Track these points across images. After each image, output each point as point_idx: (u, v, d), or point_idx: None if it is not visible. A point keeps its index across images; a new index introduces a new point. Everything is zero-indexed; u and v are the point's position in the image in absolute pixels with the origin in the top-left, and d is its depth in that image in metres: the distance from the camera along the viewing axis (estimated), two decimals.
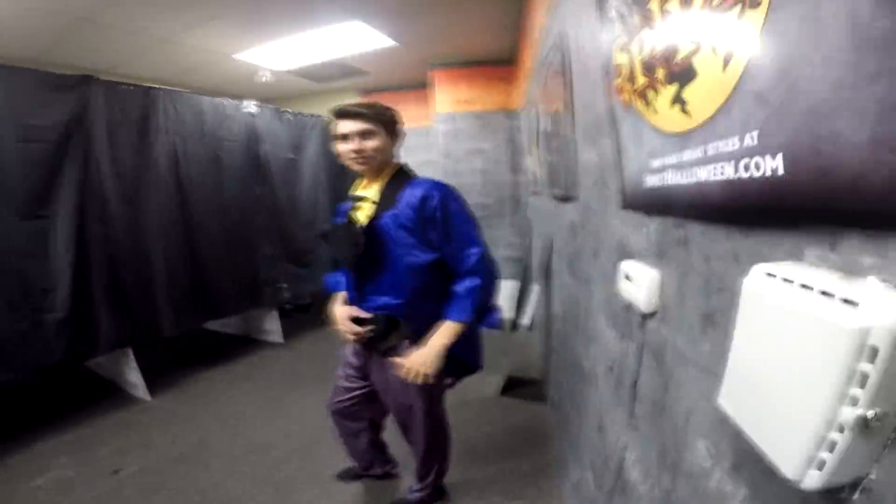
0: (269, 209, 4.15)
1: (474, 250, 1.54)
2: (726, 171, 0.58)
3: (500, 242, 4.50)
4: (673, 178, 0.74)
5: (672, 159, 0.74)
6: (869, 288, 0.37)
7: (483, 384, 3.07)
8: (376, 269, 1.58)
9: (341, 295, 1.78)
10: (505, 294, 4.16)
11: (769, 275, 0.47)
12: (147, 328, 3.23)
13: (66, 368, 2.90)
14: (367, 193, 1.61)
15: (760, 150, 0.51)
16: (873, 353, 0.34)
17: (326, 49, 4.06)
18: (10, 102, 2.49)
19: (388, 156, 1.62)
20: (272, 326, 4.34)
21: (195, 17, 3.29)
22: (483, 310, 1.60)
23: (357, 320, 1.65)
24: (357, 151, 1.52)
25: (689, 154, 0.68)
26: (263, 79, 4.55)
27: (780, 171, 0.47)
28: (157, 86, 3.29)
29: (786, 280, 0.44)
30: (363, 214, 1.59)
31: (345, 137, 1.53)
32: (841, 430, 0.38)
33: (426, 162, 4.45)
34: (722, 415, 0.68)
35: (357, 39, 3.83)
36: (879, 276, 0.38)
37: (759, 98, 0.51)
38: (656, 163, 0.81)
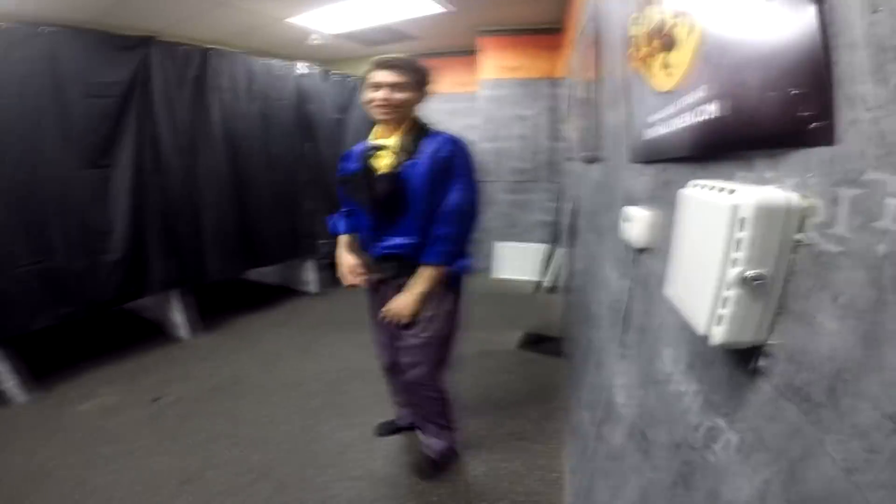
0: (313, 167, 4.37)
1: (457, 198, 1.68)
2: (688, 119, 0.73)
3: (534, 206, 4.63)
4: (661, 130, 0.89)
5: (661, 114, 0.89)
6: (745, 185, 0.53)
7: (505, 338, 3.27)
8: (393, 213, 1.73)
9: (344, 239, 1.99)
10: (534, 257, 4.31)
11: (695, 185, 0.63)
12: (194, 272, 3.51)
13: (117, 306, 3.17)
14: (387, 142, 1.72)
15: (706, 99, 0.66)
16: (743, 223, 0.50)
17: (377, 13, 4.17)
18: (77, 61, 2.72)
19: (412, 110, 1.74)
20: (309, 277, 4.61)
21: None
22: (455, 255, 1.74)
23: (372, 261, 1.88)
24: (385, 100, 1.63)
25: (671, 108, 0.83)
26: (315, 42, 4.73)
27: (716, 113, 0.63)
28: (212, 46, 3.50)
29: (703, 187, 0.60)
30: (382, 162, 1.73)
31: (376, 87, 1.64)
32: (729, 288, 0.53)
33: (468, 126, 4.60)
34: (682, 323, 0.85)
35: (408, 4, 3.93)
36: (776, 185, 0.54)
37: (707, 59, 0.66)
38: (651, 118, 0.96)
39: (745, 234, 0.49)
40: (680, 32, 0.77)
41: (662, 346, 0.93)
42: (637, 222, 1.04)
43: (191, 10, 3.92)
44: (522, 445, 2.25)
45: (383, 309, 1.83)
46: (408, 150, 1.69)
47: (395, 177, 1.69)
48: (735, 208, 0.50)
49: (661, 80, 0.89)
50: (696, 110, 0.70)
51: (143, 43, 3.04)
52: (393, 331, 1.91)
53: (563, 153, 4.20)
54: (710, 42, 0.65)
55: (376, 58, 1.66)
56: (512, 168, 4.78)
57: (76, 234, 2.83)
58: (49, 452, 2.21)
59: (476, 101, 4.96)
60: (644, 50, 1.00)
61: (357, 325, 2.61)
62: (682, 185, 0.83)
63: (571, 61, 3.22)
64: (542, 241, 4.46)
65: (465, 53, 5.12)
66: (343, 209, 2.03)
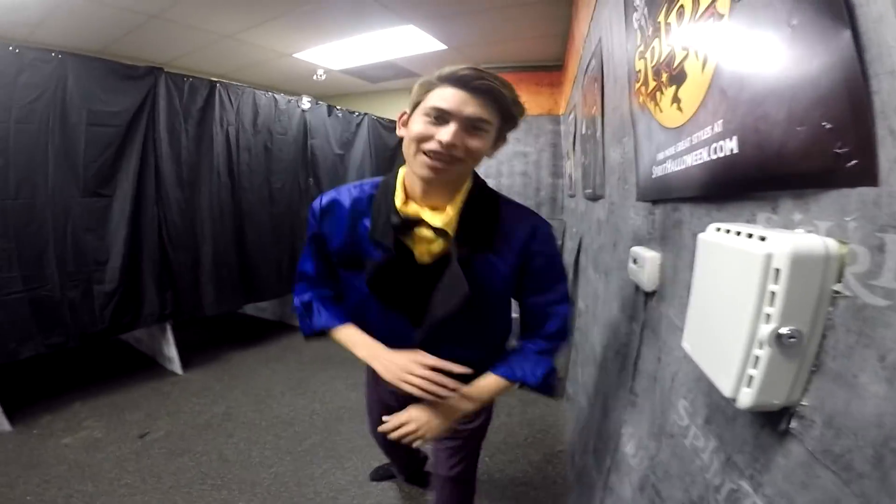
0: (314, 201, 4.32)
1: (563, 309, 1.18)
2: (702, 156, 0.69)
3: None
4: (671, 167, 0.85)
5: (671, 151, 0.85)
6: (775, 230, 0.48)
7: None
8: (451, 324, 1.09)
9: (351, 331, 1.23)
10: None
11: (717, 229, 0.58)
12: (189, 306, 3.42)
13: (109, 338, 3.08)
14: (434, 219, 1.04)
15: (723, 134, 0.62)
16: (777, 275, 0.44)
17: (379, 51, 4.24)
18: (83, 89, 2.70)
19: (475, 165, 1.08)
20: None
21: (257, 17, 3.51)
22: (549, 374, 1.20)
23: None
24: (451, 145, 0.94)
25: (682, 144, 0.79)
26: (319, 77, 4.78)
27: (735, 150, 0.58)
28: (217, 79, 3.51)
29: (726, 231, 0.55)
30: (426, 248, 1.08)
31: (441, 118, 0.95)
32: (761, 346, 0.47)
33: None
34: (699, 374, 0.79)
35: (408, 42, 3.99)
36: (805, 228, 0.48)
37: (723, 92, 0.62)
38: (661, 155, 0.92)
39: (779, 287, 0.44)
40: (691, 65, 0.73)
41: (677, 398, 0.86)
42: (646, 264, 0.99)
43: (199, 43, 3.99)
44: (523, 492, 2.13)
45: (395, 420, 1.15)
46: (471, 234, 1.06)
47: (468, 281, 1.03)
48: (768, 258, 0.45)
49: (671, 115, 0.85)
50: (711, 147, 0.65)
51: (151, 73, 3.04)
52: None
53: (564, 190, 4.18)
54: (727, 74, 0.61)
55: (451, 69, 0.96)
56: None
57: (71, 262, 2.77)
58: (29, 486, 2.10)
59: None
60: (652, 84, 0.97)
61: (352, 363, 2.50)
62: (696, 227, 0.79)
63: (572, 98, 3.23)
64: None
65: None
66: (320, 290, 1.32)
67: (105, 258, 2.93)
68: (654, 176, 0.98)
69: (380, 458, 2.27)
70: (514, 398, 2.95)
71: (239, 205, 3.71)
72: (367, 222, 1.11)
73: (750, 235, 0.50)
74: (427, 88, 0.98)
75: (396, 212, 1.04)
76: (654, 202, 1.02)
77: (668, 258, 0.93)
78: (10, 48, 2.41)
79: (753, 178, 0.56)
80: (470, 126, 0.95)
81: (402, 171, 1.09)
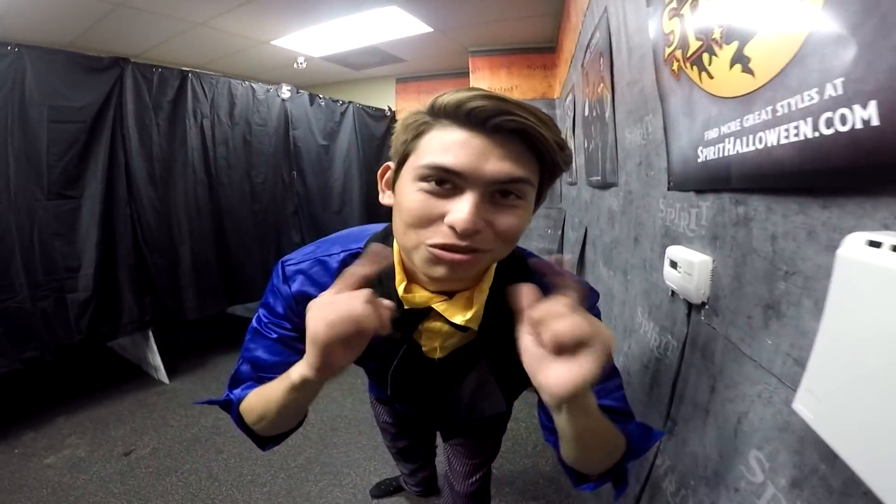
0: (300, 196, 4.14)
1: (620, 386, 0.80)
2: (802, 131, 0.49)
3: (533, 234, 4.41)
4: (733, 147, 0.65)
5: (732, 126, 0.65)
6: None
7: None
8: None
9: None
10: None
11: (871, 243, 0.38)
12: (170, 311, 3.24)
13: (89, 348, 2.92)
14: (453, 314, 0.70)
15: (847, 99, 0.42)
16: None
17: (362, 35, 4.00)
18: (42, 83, 2.50)
19: None
20: None
21: (230, 1, 3.27)
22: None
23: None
24: (469, 235, 0.57)
25: (754, 117, 0.59)
26: (299, 66, 4.55)
27: (875, 122, 0.39)
28: (189, 69, 3.29)
29: (893, 248, 0.35)
30: (438, 343, 0.77)
31: (450, 183, 0.57)
32: None
33: None
34: (782, 422, 0.60)
35: (393, 25, 3.76)
36: None
37: (842, 39, 0.42)
38: (712, 133, 0.73)
39: None
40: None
41: (746, 446, 0.67)
42: (692, 271, 0.80)
43: (170, 32, 3.72)
44: None
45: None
46: (496, 329, 0.73)
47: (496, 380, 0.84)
48: None
49: (731, 81, 0.65)
50: (819, 118, 0.46)
51: (116, 64, 2.82)
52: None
53: (563, 177, 3.99)
54: (850, 13, 0.41)
55: (455, 96, 0.57)
56: None
57: (40, 270, 2.58)
58: None
59: None
60: (694, 46, 0.77)
61: (349, 369, 2.35)
62: (777, 228, 0.59)
63: (569, 79, 3.03)
64: None
65: (457, 75, 4.95)
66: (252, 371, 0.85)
67: (77, 264, 2.73)
68: (699, 160, 0.78)
69: (380, 474, 2.15)
70: (519, 400, 2.78)
71: (218, 202, 3.49)
72: None
73: None
74: (418, 129, 0.59)
75: (399, 302, 0.69)
76: (700, 192, 0.83)
77: (724, 264, 0.74)
78: None
79: None
80: (497, 193, 0.58)
81: (397, 245, 0.71)
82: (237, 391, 0.82)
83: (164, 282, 3.18)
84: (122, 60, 2.85)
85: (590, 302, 0.76)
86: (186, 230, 3.29)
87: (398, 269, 0.71)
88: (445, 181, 0.56)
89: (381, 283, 0.71)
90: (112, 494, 2.10)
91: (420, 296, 0.70)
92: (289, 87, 3.93)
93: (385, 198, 0.67)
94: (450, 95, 0.56)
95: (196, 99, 3.28)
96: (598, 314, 0.79)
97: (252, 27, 3.76)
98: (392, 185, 0.65)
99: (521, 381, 0.72)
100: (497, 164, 0.56)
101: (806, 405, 0.46)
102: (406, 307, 0.70)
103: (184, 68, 3.24)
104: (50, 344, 2.62)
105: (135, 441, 2.53)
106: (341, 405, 2.86)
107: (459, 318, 0.70)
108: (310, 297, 0.61)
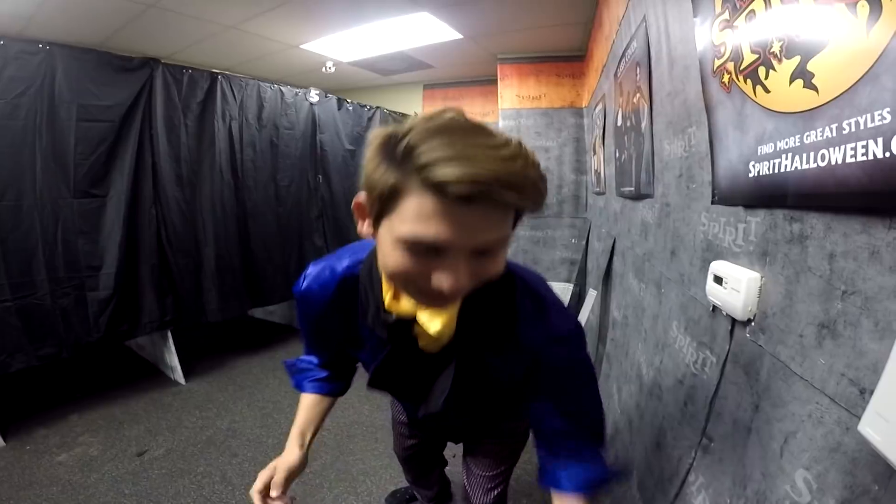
0: (324, 200, 4.15)
1: (601, 415, 0.93)
2: (871, 150, 0.48)
3: (557, 243, 4.37)
4: (791, 164, 0.64)
5: (790, 142, 0.64)
6: None
7: None
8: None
9: (301, 413, 1.24)
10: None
11: None
12: (192, 312, 3.24)
13: (108, 346, 2.91)
14: (431, 324, 0.75)
15: None
16: None
17: (391, 41, 4.02)
18: (72, 82, 2.52)
19: None
20: None
21: (261, 5, 3.30)
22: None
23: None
24: (457, 293, 0.61)
25: (816, 134, 0.58)
26: (328, 70, 4.59)
27: None
28: (219, 71, 3.32)
29: None
30: (432, 340, 0.79)
31: (430, 248, 0.56)
32: None
33: None
34: (834, 443, 0.58)
35: (423, 31, 3.77)
36: None
37: None
38: (766, 148, 0.72)
39: None
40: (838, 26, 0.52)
41: (793, 466, 0.66)
42: (740, 287, 0.78)
43: (200, 35, 3.79)
44: None
45: None
46: (472, 333, 0.78)
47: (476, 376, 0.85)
48: None
49: (790, 96, 0.64)
50: (891, 139, 0.45)
51: (146, 65, 2.85)
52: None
53: (590, 187, 3.96)
54: None
55: (435, 153, 0.51)
56: None
57: (62, 268, 2.59)
58: None
59: None
60: (749, 59, 0.76)
61: (363, 372, 2.34)
62: (837, 247, 0.58)
63: (599, 88, 3.01)
64: (566, 281, 4.19)
65: (486, 82, 4.96)
66: (314, 358, 1.23)
67: (99, 263, 2.74)
68: (750, 175, 0.77)
69: (396, 482, 2.11)
70: None
71: (243, 204, 3.51)
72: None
73: None
74: (397, 184, 0.54)
75: (387, 311, 0.76)
76: (749, 207, 0.81)
77: (775, 281, 0.73)
78: None
79: None
80: (480, 252, 0.58)
81: None
82: (307, 358, 1.24)
83: (187, 283, 3.19)
84: (153, 61, 2.88)
85: (580, 342, 0.84)
86: (211, 232, 3.30)
87: (385, 282, 0.75)
88: (429, 248, 0.56)
89: (373, 292, 0.77)
90: (123, 495, 2.08)
91: (405, 305, 0.75)
92: (317, 91, 3.95)
93: (364, 227, 0.66)
94: (421, 153, 0.51)
95: (225, 101, 3.30)
96: (584, 345, 0.85)
97: (282, 31, 3.80)
98: (372, 222, 0.63)
99: (489, 388, 0.87)
100: (479, 236, 0.56)
101: (874, 427, 0.45)
102: (394, 315, 0.75)
103: (213, 70, 3.28)
104: (68, 341, 2.62)
105: (148, 441, 2.51)
106: (358, 411, 2.83)
107: (436, 326, 0.74)
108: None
